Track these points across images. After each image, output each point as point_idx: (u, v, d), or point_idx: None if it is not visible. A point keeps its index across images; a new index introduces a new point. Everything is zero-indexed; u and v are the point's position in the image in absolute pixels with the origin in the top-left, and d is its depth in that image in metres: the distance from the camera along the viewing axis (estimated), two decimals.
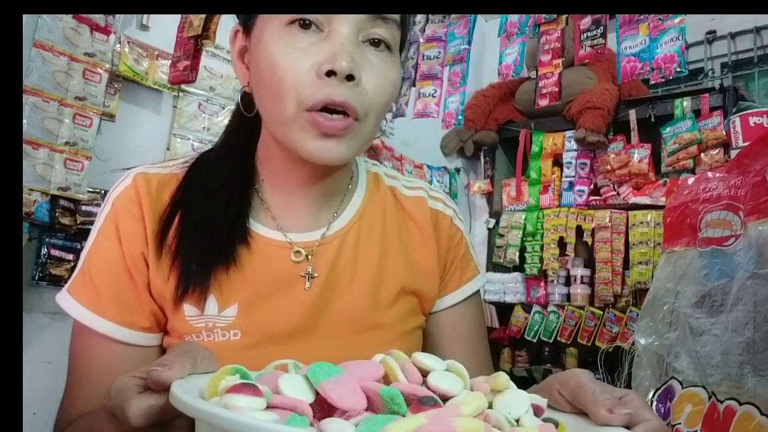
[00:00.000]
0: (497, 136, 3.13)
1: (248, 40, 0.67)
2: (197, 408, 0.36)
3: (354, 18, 0.60)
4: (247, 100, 0.69)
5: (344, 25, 0.60)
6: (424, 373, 0.46)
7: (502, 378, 0.46)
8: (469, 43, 2.21)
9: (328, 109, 0.60)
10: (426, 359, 0.47)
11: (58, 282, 2.01)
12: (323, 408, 0.40)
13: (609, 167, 2.67)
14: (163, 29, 2.22)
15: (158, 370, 0.43)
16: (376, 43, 0.63)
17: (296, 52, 0.60)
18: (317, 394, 0.40)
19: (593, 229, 2.71)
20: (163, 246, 0.65)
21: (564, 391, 0.51)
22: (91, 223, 0.69)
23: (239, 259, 0.66)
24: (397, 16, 0.64)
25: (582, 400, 0.48)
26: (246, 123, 0.71)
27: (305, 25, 0.60)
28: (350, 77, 0.59)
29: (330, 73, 0.59)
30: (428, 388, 0.44)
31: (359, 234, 0.72)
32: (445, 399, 0.43)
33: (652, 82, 1.84)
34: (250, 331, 0.65)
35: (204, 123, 2.41)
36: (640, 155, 2.61)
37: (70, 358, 0.67)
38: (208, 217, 0.66)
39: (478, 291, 0.80)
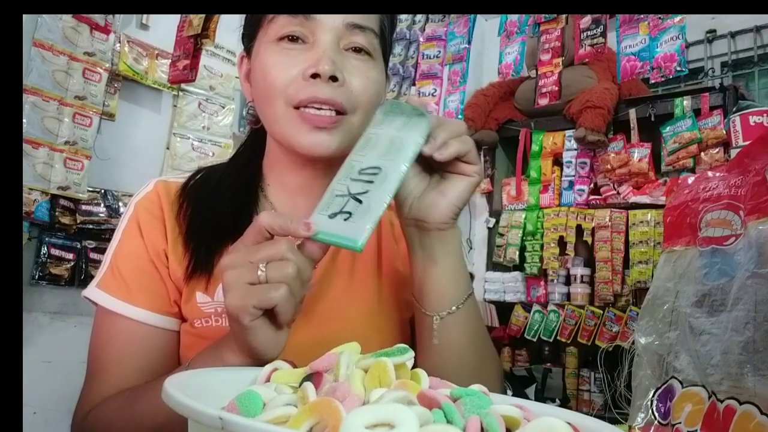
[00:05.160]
0: (497, 136, 3.12)
1: (250, 62, 0.75)
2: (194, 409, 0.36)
3: (333, 28, 0.69)
4: (253, 114, 0.78)
5: (326, 35, 0.68)
6: None
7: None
8: (469, 43, 2.22)
9: (315, 106, 0.67)
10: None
11: (57, 281, 2.01)
12: None
13: (609, 166, 2.67)
14: (163, 28, 2.22)
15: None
16: (356, 50, 0.71)
17: (285, 60, 0.68)
18: None
19: (593, 229, 2.71)
20: (179, 235, 0.72)
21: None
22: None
23: None
24: (374, 26, 0.72)
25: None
26: (254, 138, 0.81)
27: (293, 39, 0.69)
28: (334, 78, 0.67)
29: (315, 76, 0.67)
30: None
31: None
32: None
33: (652, 81, 1.85)
34: None
35: (204, 122, 2.40)
36: (640, 154, 2.61)
37: (93, 347, 0.72)
38: (217, 208, 0.73)
39: None
